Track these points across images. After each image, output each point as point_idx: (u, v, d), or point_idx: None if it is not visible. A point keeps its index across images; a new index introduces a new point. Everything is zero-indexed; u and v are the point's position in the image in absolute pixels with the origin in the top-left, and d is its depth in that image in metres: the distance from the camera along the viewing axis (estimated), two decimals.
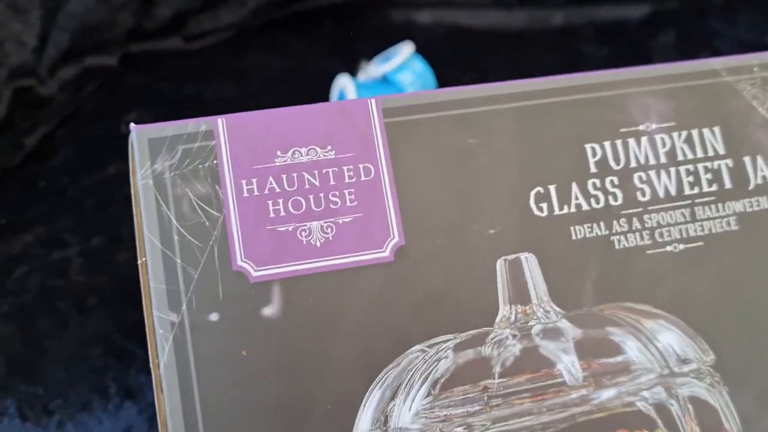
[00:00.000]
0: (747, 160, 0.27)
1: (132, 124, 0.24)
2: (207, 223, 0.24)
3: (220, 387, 0.23)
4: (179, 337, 0.23)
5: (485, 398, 0.24)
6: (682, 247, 0.26)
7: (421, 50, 0.48)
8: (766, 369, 0.26)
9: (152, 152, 0.24)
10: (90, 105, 0.56)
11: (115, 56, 0.57)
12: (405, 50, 0.46)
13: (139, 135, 0.24)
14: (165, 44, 0.58)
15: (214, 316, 0.24)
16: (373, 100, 0.25)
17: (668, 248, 0.26)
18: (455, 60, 0.55)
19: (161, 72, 0.58)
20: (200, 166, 0.24)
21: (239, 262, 0.24)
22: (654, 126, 0.27)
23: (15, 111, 0.54)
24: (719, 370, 0.26)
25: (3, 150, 0.53)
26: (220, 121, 0.24)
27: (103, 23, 0.55)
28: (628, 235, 0.26)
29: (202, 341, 0.23)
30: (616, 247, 0.26)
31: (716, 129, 0.27)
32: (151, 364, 0.24)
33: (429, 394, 0.24)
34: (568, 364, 0.25)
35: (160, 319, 0.23)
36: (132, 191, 0.24)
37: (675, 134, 0.27)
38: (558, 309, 0.25)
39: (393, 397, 0.24)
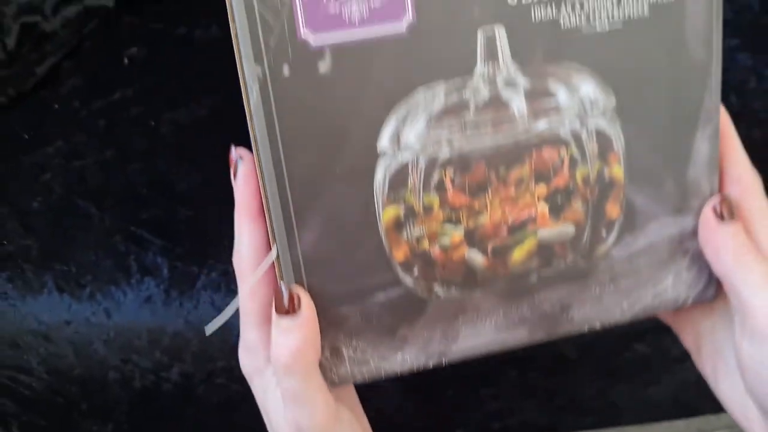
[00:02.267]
0: None
1: None
2: (279, 5, 0.32)
3: (291, 118, 0.33)
4: (263, 85, 0.33)
5: (463, 125, 0.35)
6: (607, 27, 0.36)
7: None
8: (646, 112, 0.37)
9: None
10: (91, 41, 0.61)
11: None
12: None
13: None
14: None
15: (286, 71, 0.33)
16: None
17: (598, 28, 0.36)
18: None
19: (153, 14, 0.63)
20: None
21: (303, 33, 0.32)
22: None
23: (23, 45, 0.58)
24: (617, 110, 0.37)
25: (16, 77, 0.57)
26: None
27: None
28: (571, 18, 0.35)
29: (279, 88, 0.32)
30: (562, 27, 0.35)
31: None
32: (244, 101, 0.33)
33: (427, 123, 0.35)
34: (519, 105, 0.36)
35: (249, 73, 0.32)
36: None
37: None
38: (516, 67, 0.35)
39: (404, 123, 0.34)
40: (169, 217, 0.49)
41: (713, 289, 0.40)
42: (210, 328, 0.36)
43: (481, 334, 0.37)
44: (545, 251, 0.37)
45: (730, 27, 0.61)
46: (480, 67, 0.35)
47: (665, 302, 0.39)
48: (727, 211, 0.38)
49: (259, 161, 0.33)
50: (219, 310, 0.44)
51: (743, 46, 0.60)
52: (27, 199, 0.51)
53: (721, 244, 0.38)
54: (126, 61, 0.59)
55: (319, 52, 0.33)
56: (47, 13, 0.60)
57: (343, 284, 0.35)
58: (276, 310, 0.34)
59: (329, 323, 0.35)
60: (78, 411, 0.51)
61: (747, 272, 0.36)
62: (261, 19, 0.32)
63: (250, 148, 0.34)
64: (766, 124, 0.56)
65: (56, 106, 0.57)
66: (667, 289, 0.39)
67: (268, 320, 0.35)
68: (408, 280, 0.36)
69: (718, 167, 0.39)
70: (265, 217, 0.35)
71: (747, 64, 0.59)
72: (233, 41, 0.32)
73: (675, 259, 0.39)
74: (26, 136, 0.54)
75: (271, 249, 0.34)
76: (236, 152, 0.36)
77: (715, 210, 0.38)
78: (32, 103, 0.57)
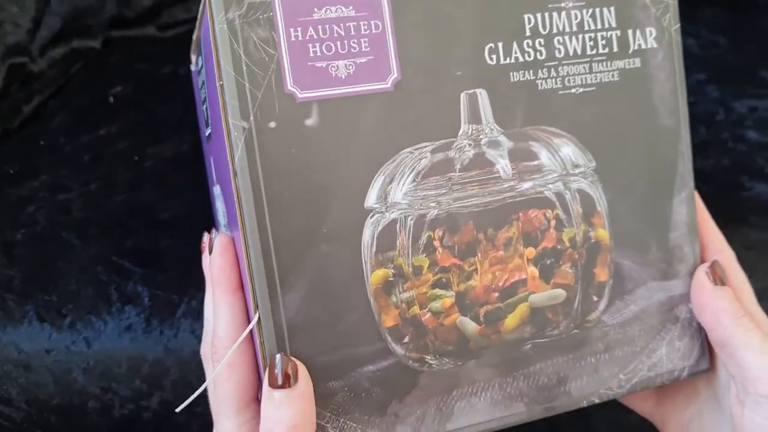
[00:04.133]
0: (630, 32, 0.38)
1: None
2: (266, 59, 0.32)
3: (277, 173, 0.33)
4: (248, 138, 0.32)
5: (450, 185, 0.35)
6: (581, 90, 0.37)
7: None
8: (624, 174, 0.38)
9: (226, 4, 0.31)
10: (77, 80, 0.62)
11: (98, 40, 0.63)
12: None
13: None
14: (142, 32, 0.66)
15: (272, 124, 0.33)
16: None
17: (573, 91, 0.37)
18: None
19: (138, 54, 0.65)
20: (261, 17, 0.32)
21: (289, 87, 0.33)
22: (571, 4, 0.37)
23: (11, 84, 0.59)
24: (597, 172, 0.37)
25: (4, 114, 0.58)
26: None
27: (90, 9, 0.61)
28: (548, 80, 0.37)
29: (264, 141, 0.32)
30: (539, 88, 0.36)
31: (612, 8, 0.37)
32: (228, 158, 0.33)
33: (414, 181, 0.35)
34: (503, 165, 0.36)
35: (235, 125, 0.32)
36: (211, 35, 0.32)
37: (584, 11, 0.37)
38: (498, 128, 0.36)
39: (391, 182, 0.34)
40: (151, 246, 0.49)
41: (707, 360, 0.40)
42: (179, 408, 0.34)
43: (478, 410, 0.36)
44: (538, 318, 0.36)
45: (698, 61, 0.64)
46: (464, 128, 0.35)
47: (662, 375, 0.39)
48: (719, 277, 0.38)
49: (243, 218, 0.32)
50: (199, 338, 0.44)
51: (711, 79, 0.62)
52: (11, 230, 0.51)
53: (720, 307, 0.37)
54: (111, 99, 0.60)
55: (305, 106, 0.33)
56: (35, 55, 0.61)
57: (329, 354, 0.33)
58: (269, 384, 0.31)
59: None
60: None
61: (748, 335, 0.36)
62: (248, 72, 0.32)
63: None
64: (735, 152, 0.56)
65: (42, 142, 0.57)
66: (662, 359, 0.39)
67: (246, 405, 0.33)
68: (398, 349, 0.35)
69: (698, 233, 0.40)
70: (243, 290, 0.34)
71: (715, 97, 0.61)
72: (219, 95, 0.32)
73: (666, 327, 0.39)
74: (11, 171, 0.55)
75: (250, 321, 0.33)
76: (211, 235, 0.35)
77: (708, 275, 0.38)
78: (19, 139, 0.58)
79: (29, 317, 0.47)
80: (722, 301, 0.37)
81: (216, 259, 0.34)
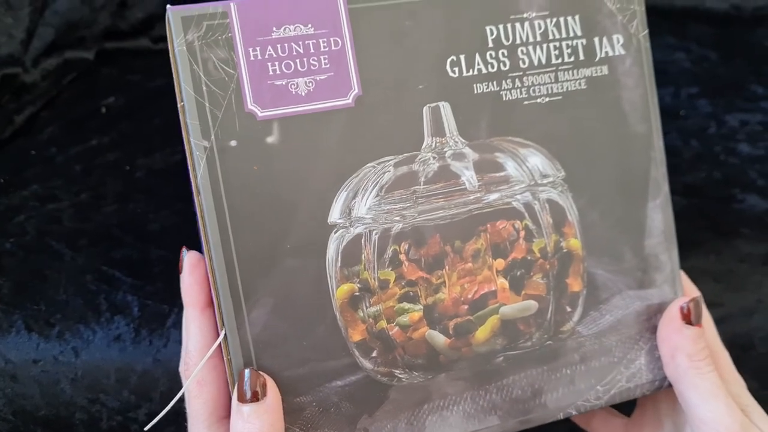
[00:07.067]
0: (596, 39, 0.38)
1: (168, 6, 0.32)
2: (226, 78, 0.32)
3: (239, 190, 0.33)
4: (210, 156, 0.33)
5: (414, 198, 0.35)
6: (547, 100, 0.37)
7: None
8: (595, 183, 0.38)
9: (185, 26, 0.31)
10: (70, 91, 0.62)
11: (92, 51, 0.63)
12: None
13: (174, 14, 0.31)
14: (135, 44, 0.66)
15: (233, 143, 0.33)
16: None
17: (538, 100, 0.37)
18: None
19: (131, 66, 0.65)
20: (219, 38, 0.32)
21: (249, 106, 0.33)
22: (534, 14, 0.37)
23: (3, 94, 0.59)
24: (566, 181, 0.37)
25: None
26: (232, 5, 0.32)
27: (84, 21, 0.61)
28: (512, 91, 0.36)
29: (226, 159, 0.33)
30: (504, 99, 0.36)
31: (577, 17, 0.37)
32: (191, 177, 0.33)
33: (378, 195, 0.35)
34: (469, 177, 0.36)
35: (196, 145, 0.32)
36: (170, 56, 0.32)
37: (548, 20, 0.37)
38: (463, 140, 0.36)
39: (354, 196, 0.34)
40: (141, 256, 0.50)
41: None
42: (149, 426, 0.34)
43: (450, 424, 0.36)
44: (510, 330, 0.36)
45: (690, 76, 0.64)
46: (428, 141, 0.35)
47: (642, 386, 0.38)
48: (694, 315, 0.37)
49: (206, 236, 0.33)
50: None
51: (702, 93, 0.62)
52: (0, 239, 0.51)
53: (679, 345, 0.37)
54: (103, 110, 0.61)
55: (266, 124, 0.33)
56: (28, 65, 0.61)
57: (296, 369, 0.33)
58: (238, 398, 0.31)
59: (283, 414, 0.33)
60: None
61: (701, 378, 0.36)
62: (208, 92, 0.32)
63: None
64: (726, 165, 0.57)
65: (33, 152, 0.58)
66: (641, 369, 0.38)
67: (218, 420, 0.33)
68: (366, 364, 0.35)
69: (675, 241, 0.39)
70: (214, 307, 0.34)
71: (707, 111, 0.61)
72: (180, 115, 0.32)
73: (645, 336, 0.39)
74: (1, 180, 0.55)
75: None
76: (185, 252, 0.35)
77: (682, 310, 0.37)
78: (9, 150, 0.58)
79: (17, 327, 0.46)
80: (684, 340, 0.36)
81: (185, 278, 0.34)
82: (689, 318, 0.37)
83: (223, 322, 0.33)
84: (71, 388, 0.45)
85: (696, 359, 0.36)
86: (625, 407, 0.42)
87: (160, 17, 0.65)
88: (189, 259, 0.35)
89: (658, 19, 0.70)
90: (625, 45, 0.38)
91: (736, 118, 0.60)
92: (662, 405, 0.40)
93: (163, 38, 0.68)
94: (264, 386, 0.32)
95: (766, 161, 0.56)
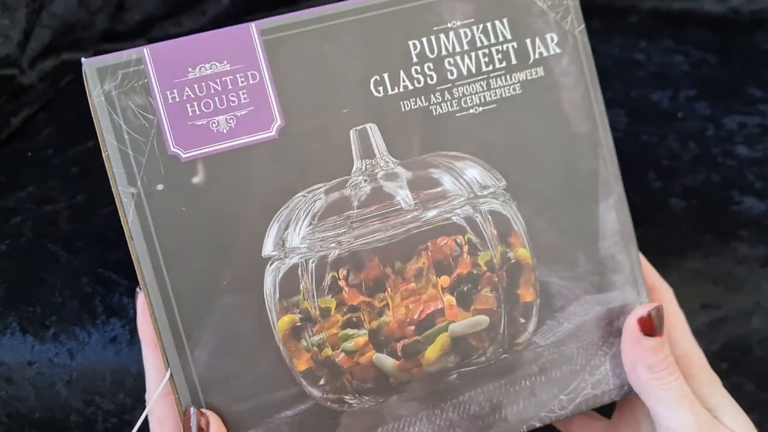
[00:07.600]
0: (528, 41, 0.36)
1: (83, 58, 0.33)
2: (146, 124, 0.33)
3: (170, 232, 0.33)
4: (138, 202, 0.33)
5: (349, 223, 0.35)
6: (481, 109, 0.36)
7: None
8: (540, 189, 0.36)
9: (101, 77, 0.32)
10: (66, 93, 0.62)
11: (89, 53, 0.63)
12: None
13: (89, 66, 0.32)
14: (133, 45, 0.65)
15: (160, 186, 0.33)
16: (253, 24, 0.33)
17: (471, 111, 0.36)
18: None
19: None
20: (136, 84, 0.32)
21: (172, 149, 0.33)
22: (458, 23, 0.35)
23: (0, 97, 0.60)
24: (509, 190, 0.36)
25: None
26: (146, 50, 0.32)
27: (81, 23, 0.61)
28: (442, 104, 0.35)
29: (154, 204, 0.33)
30: (434, 114, 0.35)
31: (505, 20, 0.36)
32: (121, 221, 0.33)
33: (311, 224, 0.34)
34: (403, 196, 0.35)
35: (124, 192, 0.33)
36: (90, 108, 0.32)
37: (474, 27, 0.36)
38: (394, 159, 0.35)
39: (287, 227, 0.34)
40: None
41: None
42: None
43: None
44: (461, 346, 0.36)
45: (688, 78, 0.64)
46: (357, 164, 0.35)
47: (609, 392, 0.38)
48: (655, 326, 0.36)
49: (143, 279, 0.33)
50: None
51: (701, 95, 0.62)
52: None
53: (640, 357, 0.36)
54: None
55: (190, 165, 0.33)
56: (24, 67, 0.61)
57: (244, 402, 0.33)
58: None
59: None
60: None
61: (662, 389, 0.35)
62: (130, 139, 0.32)
63: None
64: (724, 168, 0.55)
65: (30, 154, 0.58)
66: (607, 375, 0.38)
67: None
68: (315, 392, 0.35)
69: (634, 240, 0.38)
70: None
71: (705, 113, 0.60)
72: (105, 163, 0.33)
73: (608, 341, 0.38)
74: None
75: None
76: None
77: (640, 321, 0.36)
78: (6, 152, 0.58)
79: (12, 328, 0.47)
80: (643, 351, 0.36)
81: (139, 317, 0.36)
82: (650, 327, 0.36)
83: (167, 361, 0.34)
84: (66, 390, 0.46)
85: (657, 370, 0.35)
86: (606, 409, 0.42)
87: (158, 19, 0.65)
88: (140, 299, 0.36)
89: (657, 23, 0.69)
90: (560, 43, 0.36)
91: (734, 121, 0.60)
92: (639, 407, 0.39)
93: (163, 38, 0.67)
94: (207, 424, 0.33)
95: (764, 164, 0.56)
